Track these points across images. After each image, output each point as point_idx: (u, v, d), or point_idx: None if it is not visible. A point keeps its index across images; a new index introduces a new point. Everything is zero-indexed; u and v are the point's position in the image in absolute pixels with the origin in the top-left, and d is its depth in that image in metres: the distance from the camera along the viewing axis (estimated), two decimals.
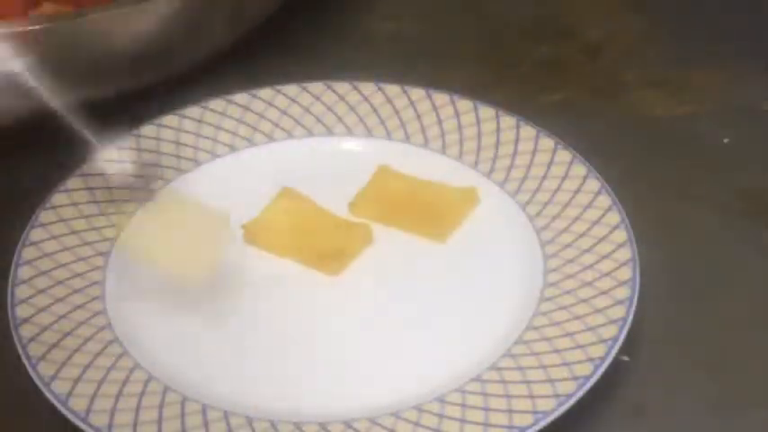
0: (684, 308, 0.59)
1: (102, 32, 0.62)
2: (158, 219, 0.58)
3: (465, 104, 0.66)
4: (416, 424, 0.51)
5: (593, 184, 0.61)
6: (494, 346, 0.55)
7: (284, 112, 0.66)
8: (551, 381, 0.52)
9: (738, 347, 0.57)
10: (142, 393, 0.52)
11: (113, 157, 0.63)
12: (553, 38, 0.76)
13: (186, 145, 0.65)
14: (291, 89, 0.67)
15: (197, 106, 0.66)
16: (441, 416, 0.51)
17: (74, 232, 0.59)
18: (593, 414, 0.53)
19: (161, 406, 0.51)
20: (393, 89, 0.67)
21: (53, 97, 0.56)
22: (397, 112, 0.66)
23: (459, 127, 0.65)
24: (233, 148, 0.65)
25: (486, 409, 0.51)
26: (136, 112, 0.65)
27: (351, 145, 0.63)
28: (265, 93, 0.67)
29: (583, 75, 0.74)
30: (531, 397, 0.51)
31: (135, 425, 0.50)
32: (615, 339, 0.53)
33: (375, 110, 0.66)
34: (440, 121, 0.65)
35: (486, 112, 0.65)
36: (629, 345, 0.54)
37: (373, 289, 0.59)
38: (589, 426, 0.53)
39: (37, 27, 0.61)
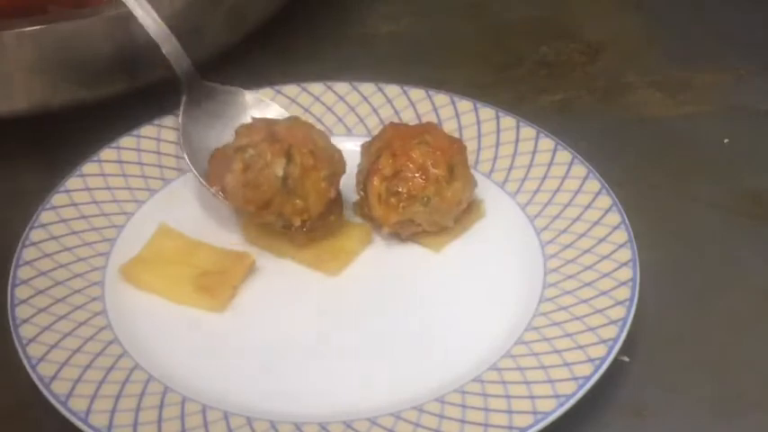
0: (684, 308, 0.59)
1: (102, 33, 0.62)
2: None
3: (465, 104, 0.66)
4: (416, 424, 0.51)
5: (594, 184, 0.61)
6: (494, 346, 0.55)
7: None
8: (551, 381, 0.52)
9: (738, 347, 0.57)
10: (142, 394, 0.52)
11: (113, 157, 0.63)
12: (553, 38, 0.76)
13: None
14: (291, 89, 0.67)
15: None
16: (441, 416, 0.51)
17: (74, 233, 0.59)
18: (594, 414, 0.53)
19: (161, 406, 0.51)
20: (393, 89, 0.66)
21: None
22: (397, 112, 0.66)
23: (460, 127, 0.64)
24: None
25: (486, 410, 0.51)
26: (136, 112, 0.65)
27: (351, 145, 0.63)
28: (265, 93, 0.66)
29: (583, 75, 0.74)
30: (532, 397, 0.51)
31: (135, 425, 0.50)
32: (615, 340, 0.53)
33: (375, 110, 0.66)
34: (440, 122, 0.64)
35: (486, 112, 0.65)
36: (629, 345, 0.54)
37: (373, 289, 0.59)
38: (589, 426, 0.53)
39: (37, 27, 0.61)
